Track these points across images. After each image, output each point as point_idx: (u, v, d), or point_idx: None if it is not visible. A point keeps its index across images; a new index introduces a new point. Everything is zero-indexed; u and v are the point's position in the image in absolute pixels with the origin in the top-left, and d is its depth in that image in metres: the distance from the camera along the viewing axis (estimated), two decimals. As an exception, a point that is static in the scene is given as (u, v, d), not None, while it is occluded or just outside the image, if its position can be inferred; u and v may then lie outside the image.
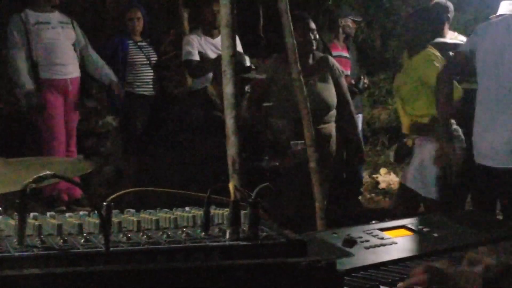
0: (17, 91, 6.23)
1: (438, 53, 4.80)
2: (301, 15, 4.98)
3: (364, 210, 7.15)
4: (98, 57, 6.47)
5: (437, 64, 4.56)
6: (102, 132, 7.92)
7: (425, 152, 4.58)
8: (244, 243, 1.43)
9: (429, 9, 5.06)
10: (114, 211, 1.53)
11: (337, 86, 5.16)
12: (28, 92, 6.02)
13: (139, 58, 6.67)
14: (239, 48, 5.72)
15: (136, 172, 6.76)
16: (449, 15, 5.85)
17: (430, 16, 4.70)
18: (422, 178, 4.57)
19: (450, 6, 6.08)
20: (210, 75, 5.98)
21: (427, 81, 4.54)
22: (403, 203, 4.70)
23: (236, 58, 2.93)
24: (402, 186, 4.86)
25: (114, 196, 1.44)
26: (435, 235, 2.23)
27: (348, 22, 6.98)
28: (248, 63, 4.64)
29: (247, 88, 4.62)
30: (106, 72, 6.44)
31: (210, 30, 6.24)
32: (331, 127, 5.12)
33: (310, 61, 5.03)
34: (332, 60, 5.26)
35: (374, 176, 8.34)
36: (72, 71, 6.30)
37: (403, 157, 4.76)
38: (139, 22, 6.72)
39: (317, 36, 5.09)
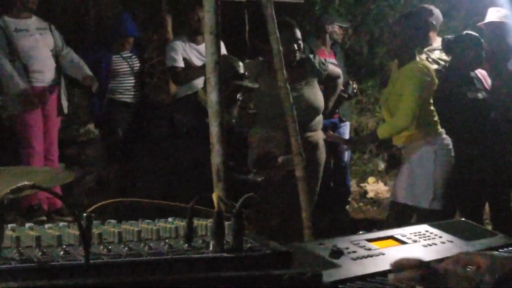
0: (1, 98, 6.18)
1: (427, 63, 4.81)
2: (287, 22, 4.93)
3: (352, 219, 7.15)
4: (75, 55, 6.41)
5: (420, 78, 4.50)
6: (83, 141, 7.90)
7: (413, 161, 4.59)
8: (228, 255, 1.43)
9: (414, 14, 5.08)
10: (95, 222, 1.53)
11: (327, 80, 5.22)
12: (23, 92, 5.98)
13: (123, 67, 6.67)
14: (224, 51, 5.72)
15: (118, 181, 6.74)
16: (434, 21, 5.89)
17: (415, 21, 4.70)
18: (411, 187, 4.58)
19: (436, 11, 6.12)
20: (195, 82, 5.99)
21: (407, 95, 4.50)
22: (395, 219, 4.70)
23: (221, 66, 2.93)
24: (392, 203, 4.85)
25: (94, 207, 1.44)
26: (424, 245, 2.23)
27: (335, 28, 7.00)
28: (242, 70, 4.60)
29: (238, 95, 4.57)
30: (80, 68, 6.37)
31: (194, 36, 6.24)
32: (318, 135, 5.12)
33: (293, 64, 5.01)
34: (315, 58, 5.25)
35: (362, 185, 8.36)
36: (51, 78, 6.27)
37: (394, 166, 4.77)
38: (130, 43, 6.73)
39: (302, 46, 5.07)
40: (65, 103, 6.40)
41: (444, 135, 4.66)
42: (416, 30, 4.61)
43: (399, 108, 4.49)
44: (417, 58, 4.63)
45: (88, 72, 6.36)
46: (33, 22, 6.23)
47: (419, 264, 1.68)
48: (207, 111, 4.47)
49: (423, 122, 4.56)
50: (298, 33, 5.00)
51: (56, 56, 6.31)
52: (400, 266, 1.72)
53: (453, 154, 4.65)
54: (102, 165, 7.29)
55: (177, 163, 4.36)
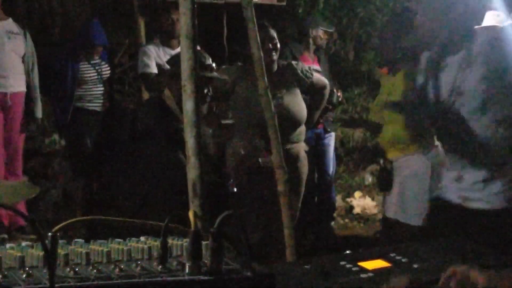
0: None
1: None
2: (260, 22, 4.93)
3: (337, 237, 7.15)
4: (37, 86, 6.43)
5: None
6: (48, 152, 7.84)
7: (406, 175, 4.59)
8: (206, 277, 1.41)
9: (402, 15, 5.09)
10: (61, 242, 1.50)
11: (312, 90, 5.21)
12: None
13: (90, 75, 6.65)
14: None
15: (86, 196, 6.69)
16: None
17: (405, 22, 4.73)
18: (403, 203, 4.57)
19: None
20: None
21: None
22: (387, 236, 4.70)
23: (198, 72, 2.92)
24: (383, 219, 4.86)
25: (60, 225, 1.41)
26: (415, 266, 2.23)
27: (319, 33, 7.02)
28: (208, 61, 4.54)
29: (206, 90, 4.42)
30: (35, 105, 6.43)
31: (168, 40, 6.22)
32: (299, 147, 5.12)
33: (273, 70, 5.00)
34: (298, 65, 5.25)
35: (348, 200, 8.36)
36: (14, 85, 6.22)
37: (388, 184, 4.73)
38: (98, 52, 6.72)
39: (278, 46, 5.06)
40: (38, 113, 6.40)
41: (440, 148, 4.67)
42: (405, 33, 4.63)
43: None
44: None
45: (38, 115, 6.46)
46: (6, 25, 6.20)
47: (410, 284, 1.68)
48: (175, 112, 4.46)
49: (419, 136, 4.56)
50: (273, 32, 5.01)
51: (28, 64, 6.30)
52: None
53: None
54: (69, 178, 7.24)
55: (150, 175, 4.32)
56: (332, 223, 7.38)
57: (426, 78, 3.30)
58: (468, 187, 3.18)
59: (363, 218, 7.81)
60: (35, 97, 6.41)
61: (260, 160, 4.81)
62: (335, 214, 7.51)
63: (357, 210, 8.06)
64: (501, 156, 3.16)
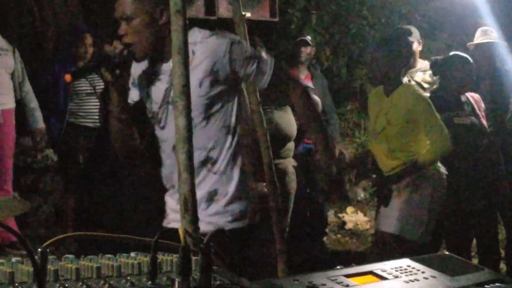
0: None
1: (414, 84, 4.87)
2: (251, 40, 4.93)
3: (330, 252, 7.15)
4: (34, 100, 6.41)
5: (423, 95, 4.63)
6: (40, 167, 7.82)
7: (408, 190, 4.58)
8: (195, 293, 1.42)
9: (394, 36, 5.12)
10: (51, 258, 1.51)
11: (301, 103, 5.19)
12: None
13: (84, 87, 6.61)
14: None
15: (77, 212, 6.67)
16: (412, 39, 5.94)
17: (397, 43, 4.75)
18: (403, 218, 4.56)
19: (414, 30, 6.19)
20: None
21: (418, 117, 4.55)
22: (381, 250, 4.69)
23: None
24: (377, 233, 4.84)
25: (50, 241, 1.42)
26: (405, 281, 2.23)
27: (301, 49, 7.00)
28: None
29: None
30: (35, 116, 6.42)
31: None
32: (287, 163, 5.13)
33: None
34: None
35: (340, 215, 8.37)
36: (4, 102, 6.20)
37: (387, 199, 4.72)
38: (89, 48, 6.69)
39: None
40: (41, 123, 6.40)
41: (439, 163, 4.68)
42: (399, 53, 4.66)
43: (433, 130, 4.51)
44: (403, 81, 4.70)
45: (41, 125, 6.43)
46: None
47: None
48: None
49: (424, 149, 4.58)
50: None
51: (17, 81, 6.28)
52: None
53: (446, 185, 4.67)
54: (61, 194, 7.21)
55: (140, 192, 4.32)
56: (325, 238, 7.38)
57: None
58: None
59: (356, 233, 7.82)
60: (33, 108, 6.39)
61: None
62: (327, 230, 7.51)
63: (349, 225, 8.06)
64: None
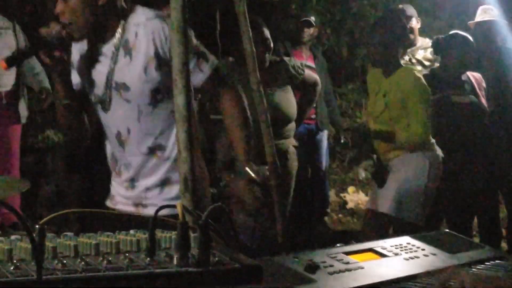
0: None
1: (413, 67, 4.85)
2: (252, 22, 4.90)
3: (331, 232, 7.16)
4: (37, 63, 6.29)
5: (421, 84, 4.59)
6: (41, 148, 7.82)
7: (405, 172, 4.59)
8: (194, 269, 1.41)
9: (388, 17, 5.07)
10: (50, 235, 1.51)
11: (303, 87, 5.19)
12: None
13: None
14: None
15: (80, 192, 6.67)
16: (409, 15, 5.89)
17: (391, 24, 4.73)
18: (399, 199, 4.57)
19: (410, 8, 6.15)
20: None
21: (410, 105, 4.54)
22: (372, 229, 4.71)
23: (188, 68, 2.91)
24: (371, 213, 4.85)
25: (47, 218, 1.42)
26: (405, 258, 2.23)
27: (304, 29, 6.96)
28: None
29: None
30: (40, 78, 6.28)
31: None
32: (288, 143, 5.12)
33: (265, 66, 4.97)
34: (290, 61, 5.24)
35: (342, 195, 8.38)
36: (7, 84, 6.16)
37: (383, 180, 4.73)
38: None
39: (271, 46, 5.04)
40: (24, 113, 6.30)
41: (436, 146, 4.68)
42: (394, 34, 4.64)
43: (415, 119, 4.50)
44: (401, 62, 4.69)
45: (46, 84, 6.25)
46: None
47: None
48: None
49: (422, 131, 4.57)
50: (266, 33, 4.98)
51: None
52: None
53: (442, 167, 4.68)
54: (63, 174, 7.22)
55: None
56: (326, 218, 7.39)
57: None
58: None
59: (357, 213, 7.82)
60: (38, 73, 6.26)
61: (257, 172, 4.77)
62: (328, 209, 7.52)
63: (350, 205, 8.07)
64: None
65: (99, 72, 3.04)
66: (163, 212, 1.53)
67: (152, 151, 3.04)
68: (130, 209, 2.95)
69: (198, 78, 3.01)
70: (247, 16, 3.96)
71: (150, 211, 2.84)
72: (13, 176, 6.02)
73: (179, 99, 2.81)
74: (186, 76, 2.84)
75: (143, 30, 2.95)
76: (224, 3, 6.82)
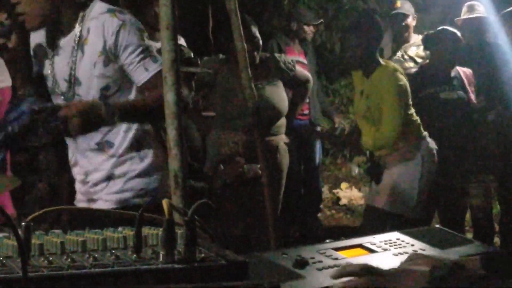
0: None
1: (394, 64, 4.84)
2: (241, 19, 4.88)
3: (324, 228, 7.17)
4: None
5: (395, 83, 4.55)
6: (34, 146, 7.79)
7: (398, 167, 4.60)
8: (179, 265, 1.42)
9: (362, 20, 5.02)
10: (38, 232, 1.51)
11: (295, 83, 5.20)
12: None
13: None
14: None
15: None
16: (405, 13, 5.85)
17: (366, 26, 4.71)
18: (394, 193, 4.58)
19: (408, 5, 6.14)
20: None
21: (392, 101, 4.53)
22: (372, 225, 4.71)
23: (178, 64, 2.91)
24: (369, 208, 4.87)
25: (33, 215, 1.42)
26: (394, 254, 2.24)
27: (303, 27, 6.97)
28: (189, 55, 4.48)
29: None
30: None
31: (152, 33, 6.17)
32: (278, 139, 5.11)
33: (256, 62, 4.96)
34: (280, 57, 5.24)
35: (335, 191, 8.38)
36: (4, 80, 6.16)
37: (378, 176, 4.73)
38: None
39: (260, 44, 5.03)
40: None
41: (428, 139, 4.69)
42: (369, 35, 4.63)
43: (384, 121, 4.51)
44: (382, 61, 4.67)
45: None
46: None
47: (363, 270, 1.71)
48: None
49: (406, 127, 4.57)
50: (254, 31, 4.95)
51: None
52: (343, 275, 1.75)
53: (436, 159, 4.69)
54: (55, 171, 7.20)
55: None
56: (319, 214, 7.40)
57: None
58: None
59: (350, 209, 7.84)
60: None
61: (245, 168, 4.78)
62: (321, 205, 7.53)
63: (343, 201, 8.08)
64: None
65: (60, 65, 3.04)
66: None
67: (100, 147, 3.08)
68: (85, 205, 3.12)
69: (142, 76, 3.00)
70: (238, 13, 3.97)
71: (99, 206, 3.04)
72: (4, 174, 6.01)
73: (169, 96, 2.82)
74: (176, 73, 2.85)
75: (95, 24, 2.96)
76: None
